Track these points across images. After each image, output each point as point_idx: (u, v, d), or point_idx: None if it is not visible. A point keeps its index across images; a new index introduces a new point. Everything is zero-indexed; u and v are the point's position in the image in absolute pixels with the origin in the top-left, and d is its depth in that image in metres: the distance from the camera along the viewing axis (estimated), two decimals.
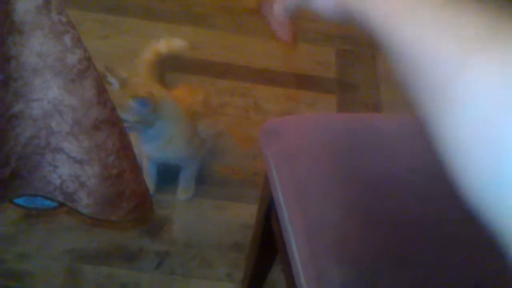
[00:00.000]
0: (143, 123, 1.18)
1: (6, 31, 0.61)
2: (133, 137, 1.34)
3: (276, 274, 1.22)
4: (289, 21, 0.66)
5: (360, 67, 1.89)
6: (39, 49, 0.64)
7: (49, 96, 0.69)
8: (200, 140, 1.37)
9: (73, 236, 1.29)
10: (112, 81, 1.18)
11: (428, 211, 0.76)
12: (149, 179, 1.39)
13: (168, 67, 1.54)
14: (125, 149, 0.82)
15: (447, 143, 0.37)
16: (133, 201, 0.86)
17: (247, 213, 1.38)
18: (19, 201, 0.83)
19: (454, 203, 0.74)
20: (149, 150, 1.31)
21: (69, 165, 0.77)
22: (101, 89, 0.73)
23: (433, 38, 0.38)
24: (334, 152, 0.83)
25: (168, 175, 1.43)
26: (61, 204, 0.83)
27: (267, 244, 1.01)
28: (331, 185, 0.79)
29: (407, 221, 0.74)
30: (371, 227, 0.74)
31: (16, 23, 0.61)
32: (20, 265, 1.23)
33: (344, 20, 0.51)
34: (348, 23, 0.51)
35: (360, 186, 0.78)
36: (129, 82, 1.19)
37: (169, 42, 1.41)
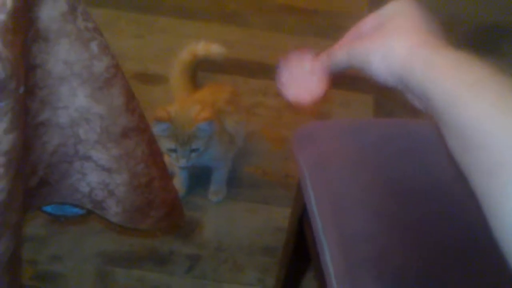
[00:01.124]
0: (207, 143, 1.23)
1: (31, 39, 0.59)
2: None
3: (308, 281, 1.19)
4: (324, 79, 0.64)
5: None
6: (65, 56, 0.62)
7: (76, 104, 0.67)
8: (229, 137, 1.34)
9: (104, 239, 1.28)
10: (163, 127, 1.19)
11: (475, 225, 0.71)
12: (181, 182, 1.38)
13: (201, 67, 1.53)
14: (154, 156, 0.80)
15: (504, 227, 0.39)
16: (162, 209, 0.84)
17: (278, 216, 1.35)
18: (48, 208, 0.82)
19: None
20: (182, 162, 1.30)
21: (98, 173, 0.76)
22: (130, 96, 0.71)
23: (498, 121, 0.40)
24: (372, 160, 0.79)
25: (199, 177, 1.41)
26: (90, 212, 0.82)
27: (300, 251, 0.98)
28: (368, 195, 0.75)
29: (452, 237, 0.70)
30: (412, 242, 0.70)
31: (41, 31, 0.59)
32: (52, 267, 1.24)
33: (396, 86, 0.52)
34: (400, 89, 0.52)
35: (400, 197, 0.74)
36: (180, 115, 1.21)
37: (208, 46, 1.41)
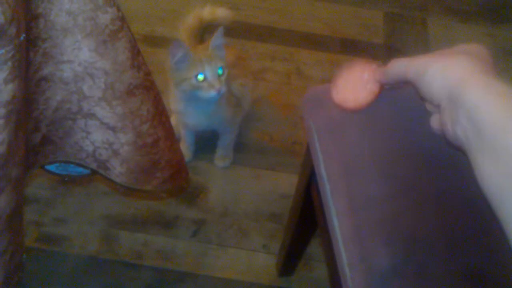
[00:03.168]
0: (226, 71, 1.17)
1: None
2: (172, 106, 1.30)
3: (314, 247, 1.18)
4: (374, 90, 0.69)
5: (409, 31, 1.79)
6: (69, 7, 0.60)
7: (80, 58, 0.65)
8: (236, 99, 1.32)
9: (110, 201, 1.27)
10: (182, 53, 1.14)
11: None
12: (187, 146, 1.36)
13: (208, 30, 1.49)
14: (160, 116, 0.78)
15: None
16: (168, 170, 0.82)
17: (285, 183, 1.33)
18: (51, 167, 0.81)
19: None
20: (193, 122, 1.28)
21: (102, 132, 0.74)
22: (135, 52, 0.69)
23: None
24: (384, 124, 0.76)
25: (206, 142, 1.39)
26: (94, 172, 0.80)
27: (307, 217, 0.97)
28: (378, 159, 0.73)
29: (464, 201, 0.68)
30: (424, 205, 0.68)
31: None
32: (57, 229, 1.23)
33: (439, 102, 0.54)
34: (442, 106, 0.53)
35: (413, 161, 0.72)
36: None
37: (213, 10, 1.37)
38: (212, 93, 1.13)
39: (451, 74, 0.51)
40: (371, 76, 0.68)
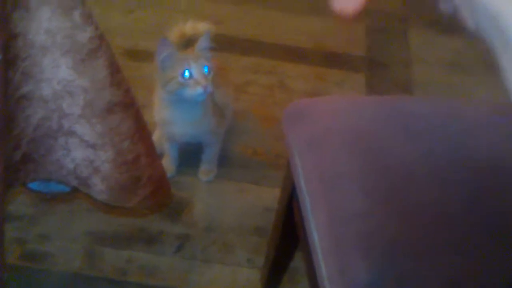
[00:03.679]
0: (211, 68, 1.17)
1: (11, 6, 0.57)
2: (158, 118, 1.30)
3: (298, 261, 1.18)
4: None
5: (391, 44, 1.81)
6: (47, 25, 0.60)
7: (59, 76, 0.65)
8: (219, 109, 1.32)
9: (93, 218, 1.27)
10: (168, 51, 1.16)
11: (465, 203, 0.70)
12: (170, 161, 1.36)
13: (191, 44, 1.50)
14: (140, 132, 0.78)
15: None
16: (149, 187, 0.82)
17: (269, 196, 1.33)
18: (33, 185, 0.81)
19: (498, 196, 0.69)
20: (178, 130, 1.28)
21: (82, 149, 0.74)
22: (115, 69, 0.69)
23: None
24: (363, 138, 0.77)
25: (189, 157, 1.39)
26: (75, 189, 0.80)
27: (289, 231, 0.97)
28: (358, 173, 0.74)
29: (441, 214, 0.69)
30: (402, 219, 0.69)
31: None
32: (40, 246, 1.22)
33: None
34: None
35: (390, 174, 0.73)
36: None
37: (195, 25, 1.38)
38: (199, 90, 1.14)
39: None
40: None
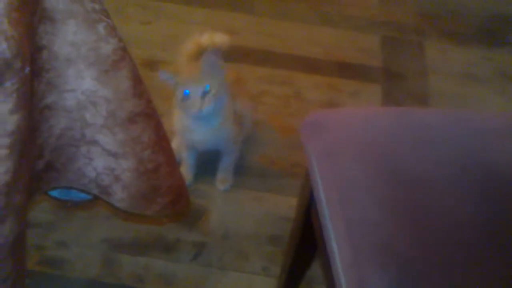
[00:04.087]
0: (219, 87, 1.20)
1: (37, 20, 0.58)
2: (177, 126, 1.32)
3: (315, 270, 1.18)
4: None
5: (406, 55, 1.82)
6: (72, 38, 0.62)
7: (83, 87, 0.67)
8: (239, 117, 1.34)
9: (111, 225, 1.28)
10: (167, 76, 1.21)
11: (483, 213, 0.70)
12: (188, 170, 1.37)
13: None
14: (161, 142, 0.79)
15: None
16: (169, 196, 0.84)
17: (285, 205, 1.34)
18: (54, 193, 0.82)
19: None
20: (197, 137, 1.30)
21: (104, 158, 0.75)
22: (137, 80, 0.71)
23: None
24: (381, 149, 0.78)
25: (207, 165, 1.40)
26: (96, 197, 0.81)
27: (307, 240, 0.97)
28: (376, 184, 0.74)
29: (460, 224, 0.69)
30: (420, 230, 0.69)
31: (48, 11, 0.59)
32: (58, 252, 1.23)
33: None
34: None
35: (408, 185, 0.73)
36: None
37: (212, 36, 1.40)
38: (194, 111, 1.19)
39: None
40: None
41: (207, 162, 1.40)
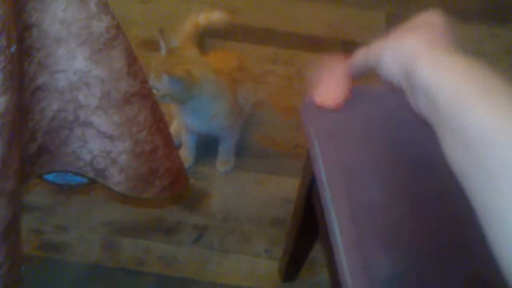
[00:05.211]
0: (174, 99, 1.14)
1: None
2: (175, 109, 1.30)
3: (317, 252, 1.16)
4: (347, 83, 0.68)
5: None
6: (62, 15, 0.59)
7: (75, 67, 0.64)
8: (240, 107, 1.31)
9: (111, 208, 1.27)
10: (161, 45, 1.14)
11: None
12: (188, 151, 1.35)
13: (208, 34, 1.49)
14: (158, 124, 0.77)
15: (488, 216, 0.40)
16: (167, 178, 0.81)
17: (287, 187, 1.32)
18: (49, 177, 0.80)
19: None
20: (191, 123, 1.27)
21: (99, 140, 0.73)
22: (132, 59, 0.68)
23: (504, 130, 0.39)
24: (384, 129, 0.75)
25: (207, 147, 1.38)
26: (93, 181, 0.79)
27: (309, 222, 0.96)
28: (380, 165, 0.72)
29: (466, 206, 0.67)
30: (426, 213, 0.67)
31: None
32: (58, 236, 1.22)
33: (401, 84, 0.53)
34: (404, 87, 0.53)
35: (413, 167, 0.71)
36: (177, 52, 1.14)
37: (209, 15, 1.38)
38: None
39: (402, 55, 0.51)
40: (342, 71, 0.68)
41: (208, 144, 1.38)
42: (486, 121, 0.40)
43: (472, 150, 0.41)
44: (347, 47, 1.71)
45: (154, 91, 1.11)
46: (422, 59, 0.48)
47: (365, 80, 0.69)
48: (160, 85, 1.10)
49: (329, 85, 0.70)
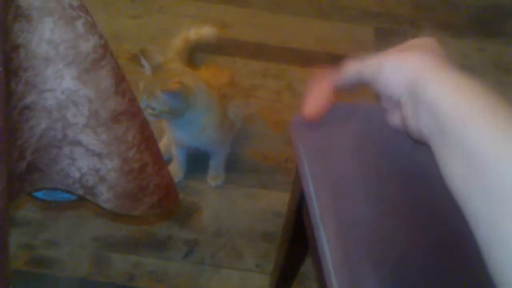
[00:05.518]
0: (173, 114, 1.14)
1: (12, 18, 0.56)
2: (164, 124, 1.31)
3: (308, 266, 1.17)
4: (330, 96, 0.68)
5: None
6: (50, 36, 0.59)
7: (63, 86, 0.64)
8: (230, 122, 1.32)
9: (100, 224, 1.26)
10: (144, 64, 1.14)
11: None
12: (178, 166, 1.35)
13: (198, 48, 1.50)
14: (146, 141, 0.77)
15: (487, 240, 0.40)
16: (156, 195, 0.82)
17: (278, 201, 1.33)
18: (38, 194, 0.80)
19: None
20: (181, 138, 1.27)
21: (88, 158, 0.73)
22: (119, 78, 0.68)
23: (504, 149, 0.39)
24: (373, 146, 0.76)
25: (198, 162, 1.38)
26: (82, 198, 0.79)
27: (299, 237, 0.96)
28: (368, 181, 0.72)
29: (458, 224, 0.67)
30: (413, 229, 0.67)
31: (23, 9, 0.56)
32: (48, 251, 1.22)
33: (400, 99, 0.53)
34: (403, 102, 0.53)
35: (401, 184, 0.72)
36: (162, 68, 1.14)
37: (199, 31, 1.39)
38: None
39: (407, 69, 0.51)
40: (325, 84, 0.68)
41: (198, 159, 1.38)
42: (492, 141, 0.40)
43: (477, 169, 0.41)
44: (337, 61, 1.72)
45: (150, 110, 1.12)
46: (430, 74, 0.48)
47: (352, 96, 0.70)
48: (157, 103, 1.10)
49: (312, 98, 0.70)
